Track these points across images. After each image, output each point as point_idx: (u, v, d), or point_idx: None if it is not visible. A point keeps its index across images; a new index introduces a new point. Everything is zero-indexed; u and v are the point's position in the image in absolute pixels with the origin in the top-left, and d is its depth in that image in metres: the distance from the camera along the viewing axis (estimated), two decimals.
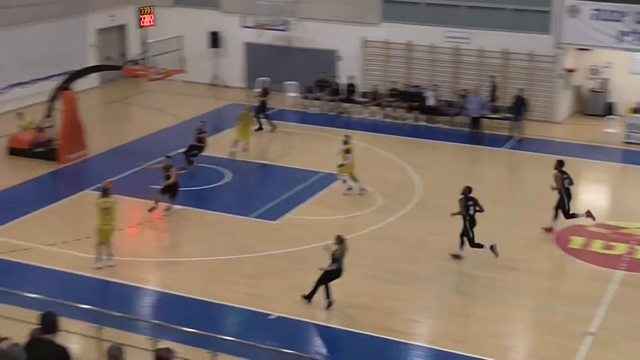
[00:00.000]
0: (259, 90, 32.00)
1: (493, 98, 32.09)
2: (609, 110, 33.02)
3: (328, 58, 35.52)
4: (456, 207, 20.41)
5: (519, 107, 30.58)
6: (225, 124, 31.21)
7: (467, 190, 20.68)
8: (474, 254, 20.58)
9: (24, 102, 31.15)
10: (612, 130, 30.73)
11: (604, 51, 32.52)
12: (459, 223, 21.04)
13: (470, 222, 20.33)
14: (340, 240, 17.77)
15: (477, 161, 28.82)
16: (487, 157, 29.14)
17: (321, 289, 17.85)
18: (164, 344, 14.68)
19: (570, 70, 32.97)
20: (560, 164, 22.19)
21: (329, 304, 17.91)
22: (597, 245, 21.37)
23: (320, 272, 17.83)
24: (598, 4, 31.03)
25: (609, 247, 21.28)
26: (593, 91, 33.93)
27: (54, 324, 9.73)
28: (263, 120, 30.61)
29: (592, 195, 26.07)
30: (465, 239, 20.37)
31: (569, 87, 33.42)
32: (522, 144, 30.23)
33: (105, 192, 19.81)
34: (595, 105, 33.73)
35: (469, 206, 20.40)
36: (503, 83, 32.83)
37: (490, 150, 29.69)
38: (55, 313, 9.89)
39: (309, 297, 17.98)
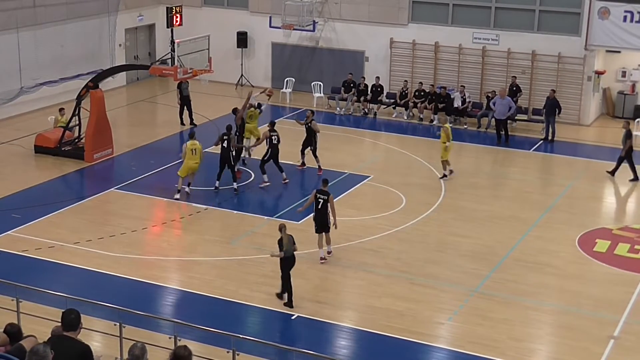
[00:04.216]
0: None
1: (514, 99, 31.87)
2: (638, 113, 32.71)
3: (355, 59, 35.52)
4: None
5: (552, 108, 30.36)
6: None
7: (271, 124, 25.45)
8: (496, 256, 20.51)
9: (53, 100, 31.43)
10: None
11: (634, 53, 32.27)
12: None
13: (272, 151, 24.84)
14: (280, 229, 17.95)
15: (502, 163, 28.65)
16: (513, 160, 28.94)
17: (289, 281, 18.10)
18: (184, 342, 14.77)
19: (600, 73, 32.69)
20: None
21: (280, 296, 18.04)
22: (622, 249, 21.17)
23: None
24: (629, 6, 30.79)
25: (634, 251, 21.07)
26: (622, 93, 33.67)
27: (75, 321, 9.73)
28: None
29: (618, 198, 25.89)
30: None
31: (597, 90, 33.15)
32: (550, 146, 30.08)
33: (192, 136, 24.20)
34: (624, 107, 33.47)
35: (271, 137, 24.90)
36: (531, 85, 32.65)
37: (517, 152, 29.51)
38: (77, 311, 9.90)
39: (281, 294, 18.07)
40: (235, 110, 26.58)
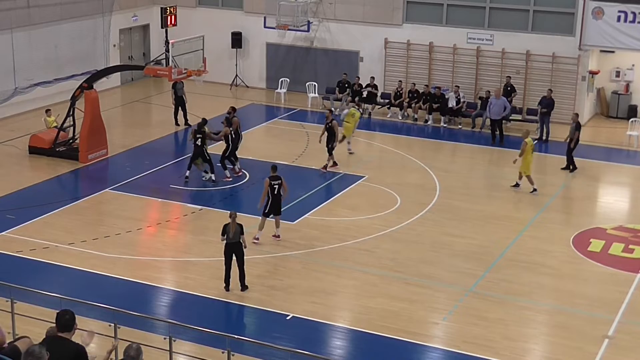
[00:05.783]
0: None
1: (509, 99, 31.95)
2: (632, 112, 32.80)
3: (350, 59, 35.54)
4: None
5: (549, 108, 30.42)
6: (244, 125, 31.29)
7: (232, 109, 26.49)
8: (490, 256, 20.53)
9: (47, 101, 31.32)
10: (634, 133, 30.52)
11: (627, 53, 32.34)
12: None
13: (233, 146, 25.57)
14: (230, 215, 18.52)
15: (497, 163, 28.66)
16: (507, 160, 28.85)
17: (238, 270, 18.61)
18: (180, 343, 14.82)
19: (594, 73, 32.76)
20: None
21: (226, 287, 18.57)
22: (616, 249, 21.21)
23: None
24: (623, 6, 30.85)
25: (628, 251, 21.13)
26: (616, 93, 33.74)
27: (70, 322, 9.69)
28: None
29: (612, 197, 25.94)
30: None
31: (591, 90, 33.21)
32: (544, 146, 30.14)
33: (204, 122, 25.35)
34: (618, 107, 33.56)
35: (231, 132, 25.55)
36: (526, 85, 32.71)
37: (511, 152, 29.43)
38: (71, 311, 9.86)
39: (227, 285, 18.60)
40: (230, 111, 26.61)
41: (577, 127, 27.11)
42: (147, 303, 18.24)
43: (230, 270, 18.48)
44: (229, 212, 18.81)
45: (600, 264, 20.42)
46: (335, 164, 26.78)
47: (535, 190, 25.08)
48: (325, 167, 26.53)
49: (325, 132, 26.69)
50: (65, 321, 9.66)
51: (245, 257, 18.63)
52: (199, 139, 24.89)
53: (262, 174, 25.94)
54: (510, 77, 32.32)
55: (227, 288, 18.48)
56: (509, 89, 31.89)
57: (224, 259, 18.50)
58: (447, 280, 19.41)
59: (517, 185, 25.46)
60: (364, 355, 16.37)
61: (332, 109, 30.15)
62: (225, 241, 18.42)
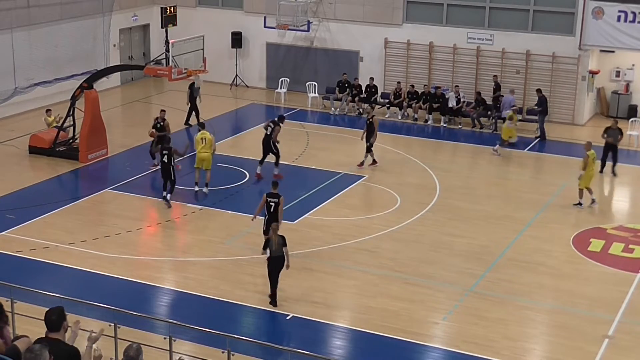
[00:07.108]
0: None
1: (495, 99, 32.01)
2: (632, 112, 32.80)
3: (350, 59, 35.54)
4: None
5: (543, 106, 30.46)
6: (244, 125, 31.37)
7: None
8: (490, 256, 20.52)
9: (47, 101, 31.33)
10: (634, 133, 30.52)
11: (627, 53, 32.34)
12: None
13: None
14: (272, 229, 18.06)
15: (497, 163, 28.64)
16: (508, 159, 28.94)
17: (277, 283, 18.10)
18: (180, 343, 14.82)
19: (594, 72, 32.75)
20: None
21: (271, 299, 17.98)
22: (616, 248, 21.21)
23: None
24: (623, 6, 30.86)
25: (628, 250, 21.13)
26: (616, 93, 33.74)
27: (57, 322, 9.48)
28: None
29: (612, 198, 25.93)
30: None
31: (591, 89, 33.21)
32: (544, 145, 30.15)
33: (202, 126, 24.87)
34: (618, 107, 33.55)
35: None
36: (526, 85, 32.71)
37: (511, 152, 29.50)
38: (60, 310, 9.64)
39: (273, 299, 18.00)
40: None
41: (619, 132, 27.03)
42: (147, 303, 18.25)
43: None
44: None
45: (600, 264, 20.43)
46: (374, 162, 26.84)
47: (580, 204, 23.97)
48: (362, 163, 26.70)
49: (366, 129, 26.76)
50: (52, 322, 9.47)
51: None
52: (165, 156, 23.53)
53: (262, 173, 26.01)
54: (496, 75, 32.41)
55: (274, 303, 17.89)
56: (495, 87, 32.03)
57: (267, 273, 17.96)
58: (447, 280, 19.41)
59: (594, 201, 24.16)
60: (364, 355, 16.37)
61: (372, 105, 30.15)
62: (268, 255, 17.82)
